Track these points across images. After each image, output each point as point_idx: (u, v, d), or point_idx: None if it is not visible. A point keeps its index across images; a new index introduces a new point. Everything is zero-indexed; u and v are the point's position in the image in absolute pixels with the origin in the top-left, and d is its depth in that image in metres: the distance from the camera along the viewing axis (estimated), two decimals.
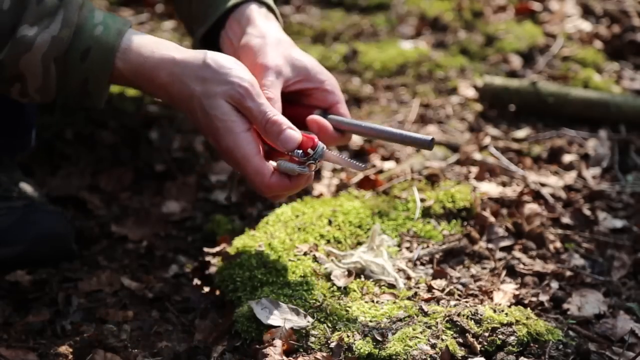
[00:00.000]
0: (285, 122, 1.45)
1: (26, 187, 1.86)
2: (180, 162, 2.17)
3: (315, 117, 1.62)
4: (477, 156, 2.12)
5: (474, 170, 2.05)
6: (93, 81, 1.48)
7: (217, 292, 1.71)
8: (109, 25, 1.47)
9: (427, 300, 1.61)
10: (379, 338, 1.46)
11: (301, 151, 1.47)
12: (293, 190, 1.50)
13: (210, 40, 1.74)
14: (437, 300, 1.62)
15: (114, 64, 1.47)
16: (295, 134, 1.46)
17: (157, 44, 1.49)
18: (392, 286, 1.65)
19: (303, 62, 1.64)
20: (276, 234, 1.75)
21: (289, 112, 1.57)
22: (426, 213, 1.84)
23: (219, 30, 1.72)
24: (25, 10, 1.42)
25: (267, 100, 1.46)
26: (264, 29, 1.65)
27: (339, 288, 1.62)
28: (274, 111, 1.45)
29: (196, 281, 1.78)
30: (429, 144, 1.54)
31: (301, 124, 1.60)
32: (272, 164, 1.49)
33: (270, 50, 1.62)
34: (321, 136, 1.60)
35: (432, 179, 1.97)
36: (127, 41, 1.48)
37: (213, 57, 1.47)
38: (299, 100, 1.66)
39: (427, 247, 1.76)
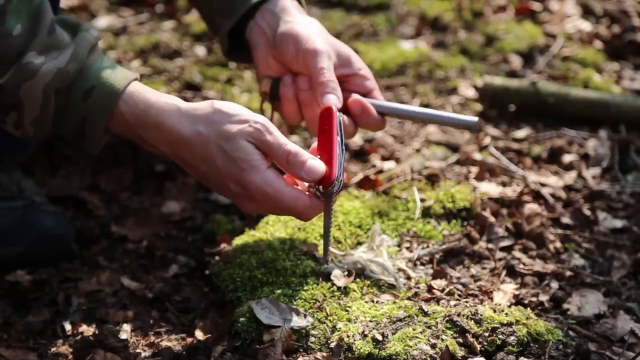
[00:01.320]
0: (305, 152, 1.43)
1: (26, 187, 1.86)
2: None
3: (359, 98, 1.66)
4: (477, 156, 2.12)
5: (474, 170, 2.05)
6: (91, 123, 1.44)
7: (217, 292, 1.71)
8: (117, 70, 1.45)
9: (427, 300, 1.61)
10: (379, 338, 1.46)
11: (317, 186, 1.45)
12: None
13: (234, 33, 1.75)
14: (437, 300, 1.62)
15: (117, 106, 1.43)
16: (318, 163, 1.43)
17: (161, 94, 1.46)
18: (392, 286, 1.65)
19: (344, 49, 1.69)
20: (276, 234, 1.75)
21: None
22: (426, 213, 1.84)
23: (246, 22, 1.73)
24: (35, 38, 1.40)
25: (281, 134, 1.44)
26: (304, 18, 1.70)
27: (339, 288, 1.62)
28: (292, 144, 1.43)
29: (196, 281, 1.78)
30: (474, 126, 1.57)
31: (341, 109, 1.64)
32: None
33: (317, 37, 1.66)
34: (364, 118, 1.65)
35: (432, 179, 1.97)
36: (132, 87, 1.45)
37: (220, 103, 1.44)
38: None
39: (427, 247, 1.76)
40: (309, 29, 1.67)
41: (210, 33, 1.83)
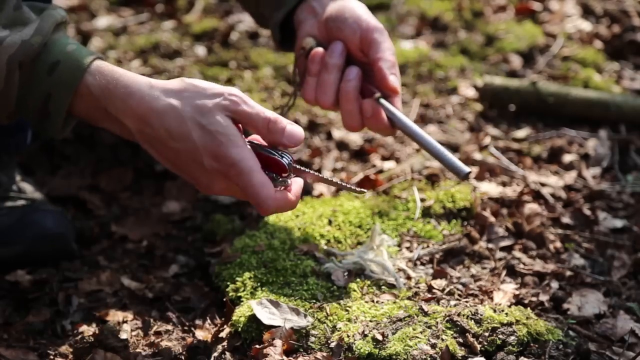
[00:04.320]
0: (283, 119, 1.42)
1: (26, 187, 1.86)
2: None
3: (371, 101, 1.66)
4: (477, 156, 2.12)
5: (474, 170, 2.05)
6: (56, 99, 1.42)
7: (217, 292, 1.71)
8: (82, 48, 1.43)
9: (427, 300, 1.61)
10: (379, 338, 1.46)
11: (274, 174, 1.43)
12: (292, 205, 1.45)
13: (284, 23, 1.77)
14: (437, 300, 1.62)
15: (82, 80, 1.41)
16: (297, 128, 1.43)
17: (128, 71, 1.44)
18: (392, 286, 1.65)
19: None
20: (276, 234, 1.75)
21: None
22: (426, 213, 1.84)
23: (294, 9, 1.75)
24: (0, 13, 1.40)
25: (258, 103, 1.42)
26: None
27: (339, 288, 1.62)
28: (270, 111, 1.42)
29: (196, 281, 1.78)
30: (464, 175, 1.58)
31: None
32: None
33: (374, 18, 1.70)
34: (372, 121, 1.66)
35: (432, 179, 1.97)
36: (99, 62, 1.43)
37: (189, 79, 1.42)
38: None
39: (427, 247, 1.76)
40: (364, 8, 1.70)
41: (256, 25, 1.82)
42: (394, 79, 1.65)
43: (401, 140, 2.23)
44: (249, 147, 1.40)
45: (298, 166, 1.46)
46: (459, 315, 1.50)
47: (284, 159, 1.42)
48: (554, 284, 1.71)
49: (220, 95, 1.39)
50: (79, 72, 1.41)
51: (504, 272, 1.72)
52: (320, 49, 1.68)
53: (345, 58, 1.68)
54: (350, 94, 1.66)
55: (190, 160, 1.40)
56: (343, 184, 1.51)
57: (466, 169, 1.57)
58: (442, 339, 1.46)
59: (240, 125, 1.41)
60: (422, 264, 1.73)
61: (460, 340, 1.47)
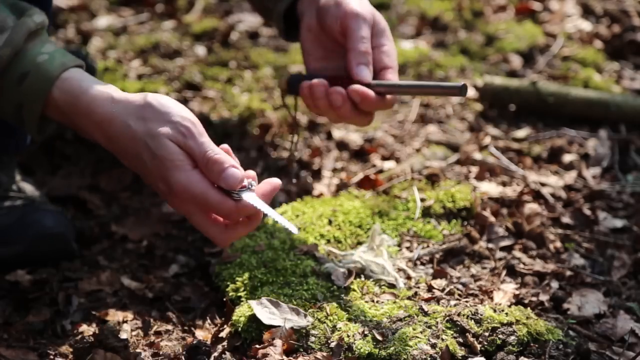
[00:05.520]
0: (226, 160, 1.40)
1: (26, 186, 1.86)
2: None
3: (358, 89, 1.65)
4: (477, 156, 2.12)
5: (474, 170, 2.05)
6: (27, 108, 1.44)
7: (217, 292, 1.71)
8: (55, 57, 1.44)
9: (427, 300, 1.61)
10: (379, 338, 1.46)
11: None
12: (256, 213, 1.44)
13: (288, 14, 1.81)
14: (437, 300, 1.62)
15: (50, 93, 1.43)
16: (236, 171, 1.40)
17: (98, 82, 1.45)
18: (392, 286, 1.65)
19: (381, 20, 1.72)
20: (276, 234, 1.75)
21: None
22: (426, 213, 1.84)
23: (296, 0, 1.78)
24: None
25: (208, 138, 1.42)
26: None
27: (339, 288, 1.62)
28: (215, 150, 1.41)
29: (196, 281, 1.78)
30: (460, 90, 1.56)
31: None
32: None
33: (359, 2, 1.69)
34: (365, 102, 1.66)
35: (432, 179, 1.97)
36: (68, 74, 1.44)
37: (153, 97, 1.43)
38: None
39: (427, 246, 1.76)
40: None
41: (263, 19, 1.89)
42: (359, 70, 1.65)
43: (401, 140, 2.23)
44: (197, 171, 1.40)
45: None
46: (459, 315, 1.50)
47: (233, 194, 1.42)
48: (554, 284, 1.71)
49: (172, 123, 1.40)
50: (46, 85, 1.43)
51: (504, 272, 1.72)
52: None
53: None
54: (336, 106, 1.67)
55: (147, 179, 1.45)
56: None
57: (459, 83, 1.57)
58: (442, 339, 1.46)
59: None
60: (422, 264, 1.73)
61: (460, 340, 1.47)
